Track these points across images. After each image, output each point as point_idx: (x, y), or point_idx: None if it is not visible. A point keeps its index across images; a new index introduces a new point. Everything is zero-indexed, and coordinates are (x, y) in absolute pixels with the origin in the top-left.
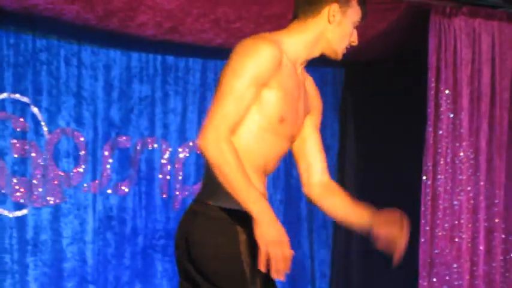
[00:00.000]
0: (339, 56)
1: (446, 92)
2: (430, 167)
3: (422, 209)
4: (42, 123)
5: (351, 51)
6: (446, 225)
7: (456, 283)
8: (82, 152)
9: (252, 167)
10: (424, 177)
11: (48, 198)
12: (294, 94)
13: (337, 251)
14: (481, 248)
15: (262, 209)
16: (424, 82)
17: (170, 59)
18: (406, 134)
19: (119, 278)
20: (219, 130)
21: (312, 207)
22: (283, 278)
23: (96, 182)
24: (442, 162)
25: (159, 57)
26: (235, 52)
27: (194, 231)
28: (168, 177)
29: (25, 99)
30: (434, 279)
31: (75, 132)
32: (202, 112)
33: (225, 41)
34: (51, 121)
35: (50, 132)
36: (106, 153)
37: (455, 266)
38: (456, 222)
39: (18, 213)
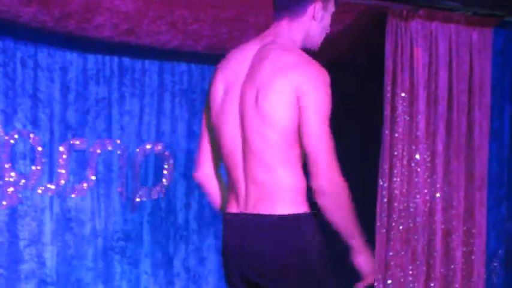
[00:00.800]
0: (316, 48)
1: (403, 95)
2: (386, 170)
3: (378, 211)
4: None
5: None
6: (401, 227)
7: (411, 285)
8: (38, 154)
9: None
10: (380, 180)
11: (4, 200)
12: None
13: None
14: (438, 250)
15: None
16: (381, 85)
17: (127, 60)
18: (363, 136)
19: (80, 280)
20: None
21: None
22: None
23: (53, 183)
24: (398, 165)
25: (115, 59)
26: (321, 85)
27: None
28: (125, 178)
29: None
30: (389, 282)
31: (32, 134)
32: (159, 113)
33: (181, 42)
34: (7, 123)
35: (6, 134)
36: (63, 155)
37: (410, 268)
38: (412, 224)
39: None
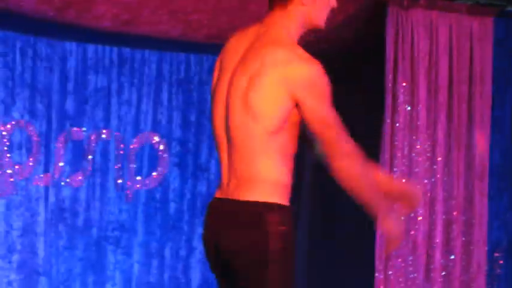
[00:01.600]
0: (323, 27)
1: (404, 84)
2: (387, 159)
3: None
4: None
5: (308, 43)
6: (402, 217)
7: (412, 276)
8: (35, 144)
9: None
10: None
11: (0, 189)
12: None
13: None
14: (437, 240)
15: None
16: (382, 74)
17: (126, 51)
18: (364, 126)
19: (70, 270)
20: None
21: None
22: None
23: (49, 174)
24: (399, 155)
25: (115, 49)
26: (319, 77)
27: None
28: (121, 169)
29: None
30: (390, 272)
31: (29, 124)
32: (157, 104)
33: (181, 32)
34: (6, 113)
35: (3, 124)
36: (60, 145)
37: (410, 258)
38: (411, 215)
39: None
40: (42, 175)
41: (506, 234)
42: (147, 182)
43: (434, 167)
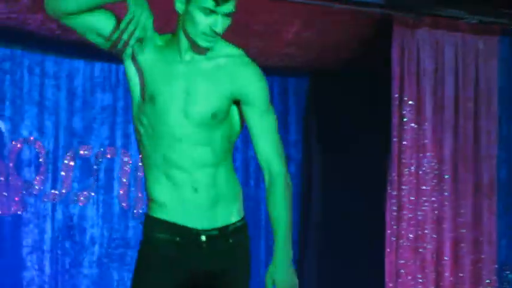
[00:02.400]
0: (201, 44)
1: (410, 102)
2: (395, 178)
3: (388, 219)
4: (4, 132)
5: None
6: (410, 235)
7: None
8: (43, 161)
9: None
10: (389, 188)
11: (8, 207)
12: None
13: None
14: (446, 258)
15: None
16: (388, 92)
17: None
18: (371, 144)
19: (77, 287)
20: None
21: None
22: None
23: (56, 191)
24: (406, 173)
25: (121, 67)
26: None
27: None
28: (127, 186)
29: None
30: None
31: (37, 142)
32: None
33: None
34: (14, 130)
35: (12, 141)
36: (67, 162)
37: (420, 276)
38: (420, 232)
39: None
40: (50, 192)
41: None
42: None
43: (442, 184)
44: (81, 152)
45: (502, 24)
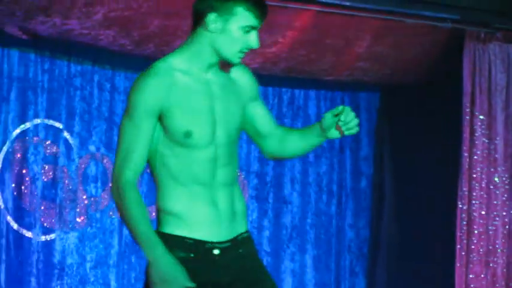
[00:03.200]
0: (234, 61)
1: (481, 117)
2: (466, 192)
3: (458, 234)
4: (74, 147)
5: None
6: (481, 250)
7: None
8: (110, 177)
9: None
10: (460, 203)
11: (75, 222)
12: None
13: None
14: None
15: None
16: (459, 107)
17: None
18: (442, 158)
19: None
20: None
21: None
22: None
23: None
24: (477, 188)
25: None
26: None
27: None
28: None
29: (58, 124)
30: None
31: (105, 157)
32: None
33: (259, 65)
34: (82, 146)
35: (80, 157)
36: None
37: None
38: (491, 247)
39: (47, 238)
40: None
41: None
42: None
43: None
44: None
45: None
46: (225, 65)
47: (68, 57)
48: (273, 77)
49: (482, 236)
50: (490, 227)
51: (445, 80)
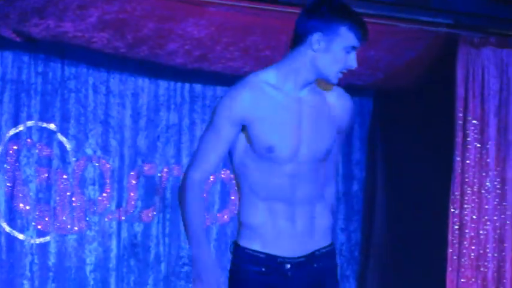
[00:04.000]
0: (333, 81)
1: (474, 122)
2: (458, 197)
3: (450, 238)
4: (69, 150)
5: (379, 80)
6: (472, 254)
7: None
8: (108, 180)
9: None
10: (452, 207)
11: (72, 225)
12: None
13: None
14: (508, 277)
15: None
16: (452, 111)
17: (198, 87)
18: (434, 163)
19: None
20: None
21: None
22: None
23: (121, 209)
24: (469, 192)
25: (187, 86)
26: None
27: None
28: None
29: (52, 126)
30: None
31: (102, 160)
32: None
33: (253, 69)
34: (78, 149)
35: (76, 159)
36: (132, 181)
37: None
38: (482, 251)
39: (41, 240)
40: (115, 210)
41: None
42: (218, 217)
43: (504, 203)
44: (146, 170)
45: None
46: (322, 86)
47: (62, 59)
48: None
49: (474, 241)
50: (481, 232)
51: (438, 85)
